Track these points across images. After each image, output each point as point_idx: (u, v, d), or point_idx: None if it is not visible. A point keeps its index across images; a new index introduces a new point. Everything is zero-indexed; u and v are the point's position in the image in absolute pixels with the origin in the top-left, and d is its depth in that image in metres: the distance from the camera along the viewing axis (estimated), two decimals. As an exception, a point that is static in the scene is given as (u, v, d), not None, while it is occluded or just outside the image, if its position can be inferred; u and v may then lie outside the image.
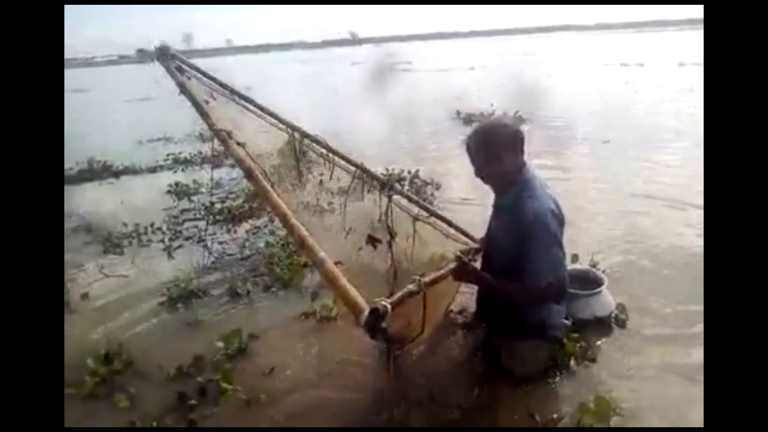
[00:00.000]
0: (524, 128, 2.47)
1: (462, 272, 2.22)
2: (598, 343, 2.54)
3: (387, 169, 5.67)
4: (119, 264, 3.82)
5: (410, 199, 2.80)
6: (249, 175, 1.95)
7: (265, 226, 4.50)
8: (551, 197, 2.19)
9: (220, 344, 2.62)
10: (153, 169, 6.49)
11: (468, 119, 8.55)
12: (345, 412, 2.21)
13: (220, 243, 4.20)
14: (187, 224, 4.62)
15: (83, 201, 5.22)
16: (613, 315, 2.73)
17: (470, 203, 4.61)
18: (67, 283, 3.35)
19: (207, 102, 2.28)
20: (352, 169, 2.77)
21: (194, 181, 5.64)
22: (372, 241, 2.54)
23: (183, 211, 4.96)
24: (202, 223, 4.63)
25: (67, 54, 20.14)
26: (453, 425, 2.10)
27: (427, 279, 1.97)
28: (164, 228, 4.49)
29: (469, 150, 2.23)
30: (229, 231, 4.50)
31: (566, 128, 7.96)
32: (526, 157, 2.20)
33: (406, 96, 11.72)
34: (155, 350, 2.65)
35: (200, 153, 6.96)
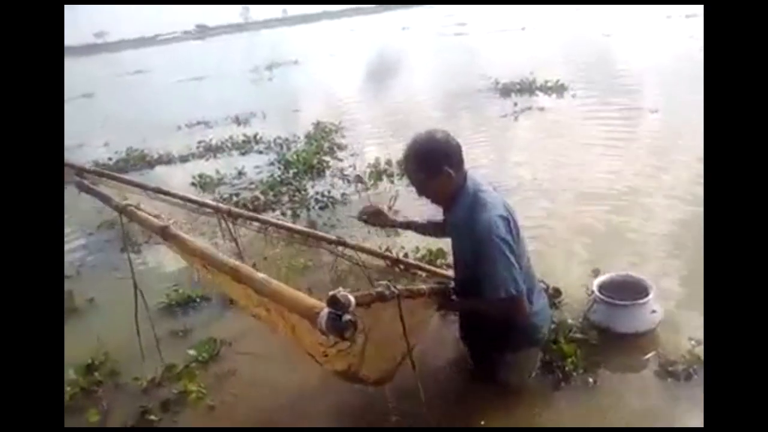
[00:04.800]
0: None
1: (443, 297, 2.18)
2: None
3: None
4: (133, 264, 4.03)
5: (369, 252, 2.70)
6: (163, 233, 1.88)
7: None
8: (502, 202, 2.13)
9: (192, 352, 2.74)
10: (185, 158, 6.72)
11: (506, 90, 8.13)
12: (312, 417, 2.30)
13: (231, 241, 4.31)
14: (203, 219, 4.78)
15: (115, 195, 5.52)
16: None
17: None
18: (78, 286, 3.59)
19: None
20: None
21: (217, 172, 5.80)
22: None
23: (203, 204, 5.11)
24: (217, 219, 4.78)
25: (133, 34, 21.02)
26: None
27: (401, 287, 1.77)
28: (182, 221, 4.67)
29: (408, 171, 2.16)
30: (244, 221, 4.62)
31: (611, 95, 7.37)
32: (466, 167, 2.15)
33: (449, 63, 11.28)
34: (138, 360, 2.79)
35: (231, 138, 7.12)
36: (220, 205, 2.68)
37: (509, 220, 2.08)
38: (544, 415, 2.23)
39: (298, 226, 2.82)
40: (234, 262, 1.65)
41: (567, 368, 2.37)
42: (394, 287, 1.65)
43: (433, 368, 2.49)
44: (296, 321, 1.60)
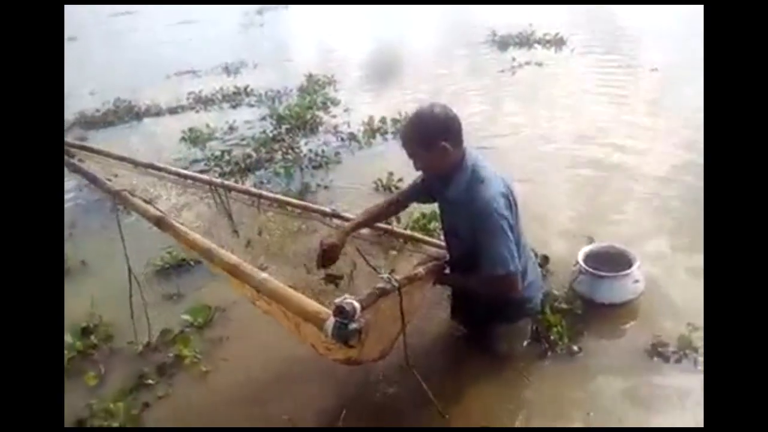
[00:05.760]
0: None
1: (440, 272, 2.22)
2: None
3: (400, 113, 5.45)
4: (124, 224, 3.99)
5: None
6: (159, 223, 1.93)
7: (268, 181, 4.54)
8: (501, 179, 2.11)
9: (187, 317, 2.79)
10: (174, 110, 6.55)
11: (504, 42, 7.92)
12: (302, 383, 2.36)
13: (225, 215, 4.27)
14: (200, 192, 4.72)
15: (103, 148, 5.42)
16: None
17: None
18: (70, 247, 3.57)
19: None
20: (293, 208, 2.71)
21: (207, 126, 5.69)
22: (331, 280, 2.35)
23: (193, 161, 5.03)
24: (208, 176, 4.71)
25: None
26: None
27: (400, 277, 1.81)
28: (170, 181, 4.62)
29: (405, 144, 2.12)
30: (236, 182, 4.56)
31: (611, 51, 7.22)
32: (464, 144, 2.12)
33: (445, 11, 10.88)
34: (132, 324, 2.83)
35: (221, 89, 6.95)
36: (213, 179, 2.65)
37: (509, 197, 2.08)
38: (535, 382, 2.31)
39: (290, 199, 2.80)
40: (234, 258, 1.64)
41: (552, 337, 2.44)
42: (395, 280, 1.66)
43: (427, 339, 2.56)
44: (300, 319, 1.62)
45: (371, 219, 2.40)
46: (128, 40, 11.05)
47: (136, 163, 2.54)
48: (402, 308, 1.71)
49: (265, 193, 2.73)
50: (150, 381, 2.45)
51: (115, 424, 2.24)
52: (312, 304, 1.46)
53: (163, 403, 2.37)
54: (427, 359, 2.42)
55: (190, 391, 2.42)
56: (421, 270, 1.99)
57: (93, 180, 2.18)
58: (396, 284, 1.67)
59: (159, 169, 2.58)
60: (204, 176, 2.71)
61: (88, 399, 2.37)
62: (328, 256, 2.18)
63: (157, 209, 2.13)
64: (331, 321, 1.37)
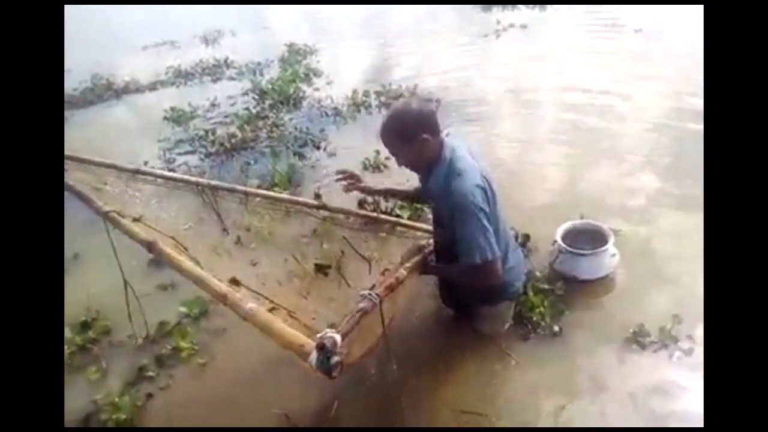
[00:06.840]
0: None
1: (423, 265, 2.28)
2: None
3: (383, 86, 5.42)
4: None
5: (349, 213, 2.68)
6: (151, 248, 1.98)
7: (255, 162, 4.54)
8: (479, 169, 2.16)
9: (183, 309, 2.87)
10: (154, 86, 6.45)
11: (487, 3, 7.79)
12: (295, 374, 2.34)
13: (215, 214, 4.25)
14: (180, 159, 4.71)
15: (85, 131, 5.35)
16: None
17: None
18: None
19: None
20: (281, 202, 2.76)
21: (189, 104, 5.61)
22: (320, 269, 2.42)
23: (178, 142, 5.01)
24: (194, 158, 4.71)
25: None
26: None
27: (380, 290, 1.85)
28: (158, 166, 4.59)
29: (386, 143, 2.17)
30: (222, 163, 4.56)
31: (592, 12, 7.15)
32: (442, 134, 2.17)
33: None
34: (129, 317, 2.90)
35: (201, 62, 6.81)
36: (200, 179, 2.68)
37: (486, 189, 2.13)
38: (516, 362, 2.41)
39: (277, 194, 2.84)
40: (223, 287, 1.72)
41: (535, 318, 2.55)
42: (375, 295, 1.73)
43: (415, 317, 2.67)
44: None
45: (395, 193, 2.70)
46: (100, 8, 10.65)
47: (121, 170, 2.56)
48: (383, 318, 1.78)
49: (250, 190, 2.77)
50: (151, 373, 2.54)
51: (123, 417, 2.34)
52: (296, 336, 1.53)
53: (165, 393, 2.47)
54: (414, 338, 2.54)
55: (190, 383, 2.51)
56: (402, 271, 2.04)
57: (80, 196, 2.21)
58: (377, 300, 1.73)
59: (147, 173, 2.61)
60: (191, 177, 2.73)
61: (91, 394, 2.46)
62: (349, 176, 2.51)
63: (148, 226, 2.17)
64: (314, 355, 1.46)
